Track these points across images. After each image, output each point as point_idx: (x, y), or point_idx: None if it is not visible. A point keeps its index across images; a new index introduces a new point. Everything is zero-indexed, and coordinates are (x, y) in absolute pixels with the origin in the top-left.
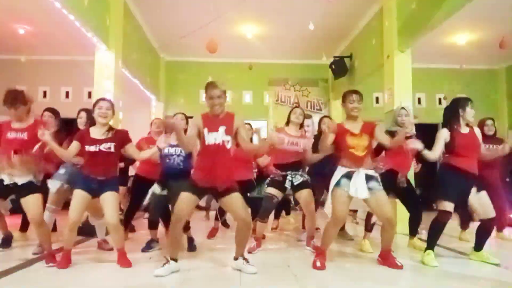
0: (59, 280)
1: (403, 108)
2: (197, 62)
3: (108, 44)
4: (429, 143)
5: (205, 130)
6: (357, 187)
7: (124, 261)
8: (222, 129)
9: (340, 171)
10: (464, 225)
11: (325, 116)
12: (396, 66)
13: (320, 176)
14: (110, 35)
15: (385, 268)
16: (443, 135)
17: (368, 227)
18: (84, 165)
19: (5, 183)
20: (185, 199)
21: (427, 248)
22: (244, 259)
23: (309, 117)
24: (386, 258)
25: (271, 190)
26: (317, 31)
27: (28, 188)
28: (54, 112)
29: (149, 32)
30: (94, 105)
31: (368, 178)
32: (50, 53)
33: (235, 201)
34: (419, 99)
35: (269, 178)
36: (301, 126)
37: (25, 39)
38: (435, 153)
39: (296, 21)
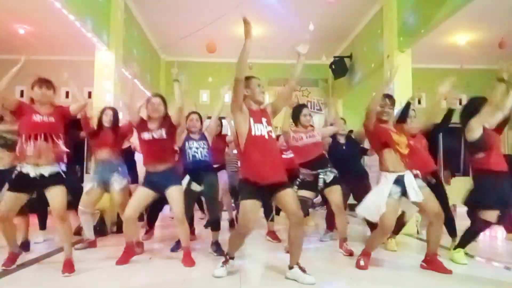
0: (59, 280)
1: (412, 110)
2: (197, 62)
3: (108, 44)
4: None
5: (251, 120)
6: (416, 189)
7: (188, 260)
8: (264, 121)
9: (386, 179)
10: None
11: (340, 118)
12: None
13: (344, 181)
14: (110, 35)
15: (385, 268)
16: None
17: (395, 230)
18: (143, 158)
19: (31, 175)
20: (249, 206)
21: (457, 247)
22: (300, 267)
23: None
24: (433, 263)
25: (304, 193)
26: (317, 31)
27: (54, 180)
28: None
29: (149, 33)
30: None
31: (415, 177)
32: (50, 53)
33: (289, 196)
34: (419, 99)
35: (298, 180)
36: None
37: (25, 39)
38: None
39: (296, 22)
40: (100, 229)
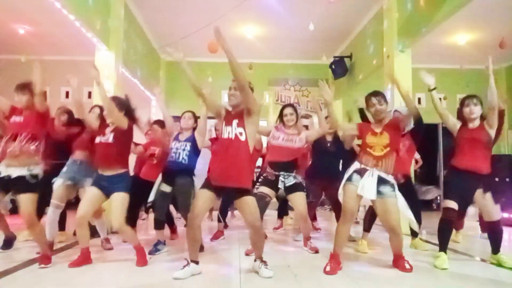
0: (59, 280)
1: (396, 110)
2: (197, 62)
3: (108, 44)
4: (430, 143)
5: (223, 123)
6: (364, 185)
7: (140, 258)
8: (235, 122)
9: (354, 166)
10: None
11: (328, 116)
12: (396, 66)
13: (319, 178)
14: (110, 35)
15: (385, 268)
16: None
17: (366, 227)
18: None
19: (1, 175)
20: (201, 195)
21: (439, 251)
22: (262, 261)
23: (309, 117)
24: (396, 261)
25: (263, 189)
26: (317, 31)
27: (22, 186)
28: (69, 112)
29: (149, 33)
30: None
31: (382, 181)
32: (50, 53)
33: (247, 204)
34: (419, 99)
35: (261, 177)
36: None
37: (25, 39)
38: (444, 110)
39: (296, 22)
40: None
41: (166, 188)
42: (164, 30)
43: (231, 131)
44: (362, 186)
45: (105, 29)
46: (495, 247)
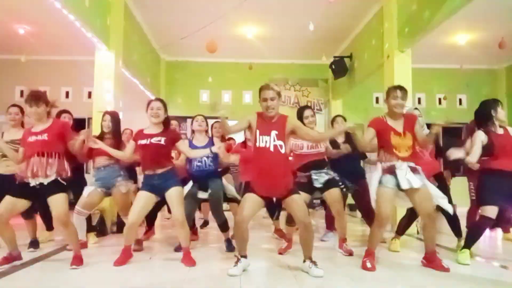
0: (59, 280)
1: (416, 108)
2: (197, 62)
3: (108, 44)
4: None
5: (257, 132)
6: (408, 178)
7: (188, 260)
8: (273, 133)
9: (380, 167)
10: (504, 228)
11: (338, 116)
12: (396, 66)
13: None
14: (110, 35)
15: (385, 268)
16: (481, 137)
17: (400, 231)
18: (141, 162)
19: (31, 185)
20: (249, 198)
21: (463, 247)
22: (312, 261)
23: None
24: (432, 260)
25: None
26: (317, 31)
27: (54, 187)
28: (70, 113)
29: (149, 32)
30: (147, 106)
31: (412, 170)
32: (50, 53)
33: (295, 203)
34: (419, 99)
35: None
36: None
37: (25, 39)
38: (475, 156)
39: (296, 22)
40: (100, 229)
41: (203, 195)
42: (164, 30)
43: (268, 141)
44: (407, 181)
45: (105, 29)
46: None
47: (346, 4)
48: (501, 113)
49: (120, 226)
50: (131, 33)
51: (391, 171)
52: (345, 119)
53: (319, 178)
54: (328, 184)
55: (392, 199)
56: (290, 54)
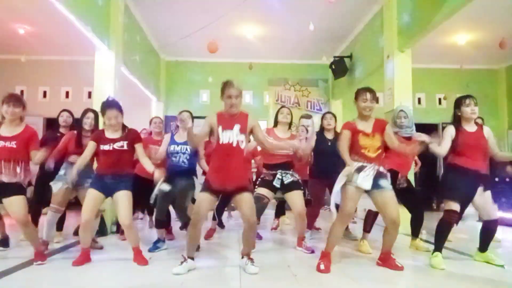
0: (58, 280)
1: (401, 110)
2: (197, 62)
3: (108, 44)
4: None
5: (219, 128)
6: (364, 177)
7: (140, 259)
8: (237, 127)
9: (348, 167)
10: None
11: (328, 112)
12: (396, 66)
13: (323, 177)
14: (110, 35)
15: (385, 268)
16: (450, 132)
17: (367, 228)
18: (98, 164)
19: None
20: (204, 199)
21: (434, 250)
22: (249, 258)
23: (309, 117)
24: (386, 260)
25: (261, 190)
26: (317, 31)
27: (12, 189)
28: (71, 113)
29: (149, 32)
30: (103, 113)
31: (380, 175)
32: (50, 53)
33: (244, 200)
34: (419, 99)
35: (259, 178)
36: (289, 126)
37: (25, 39)
38: (443, 149)
39: (296, 22)
40: (100, 229)
41: (165, 187)
42: (164, 30)
43: (231, 136)
44: (362, 179)
45: (105, 29)
46: (484, 246)
47: (346, 4)
48: (464, 111)
49: (119, 226)
50: (131, 33)
51: (359, 170)
52: (334, 116)
53: (283, 178)
54: (292, 186)
55: (357, 197)
56: (290, 54)
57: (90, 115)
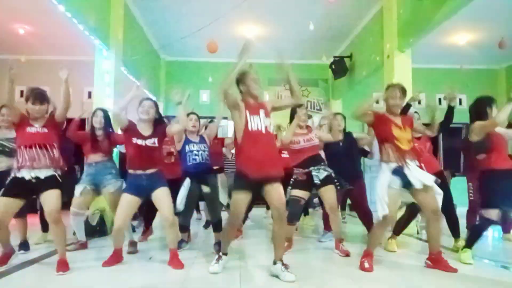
0: (58, 280)
1: (416, 112)
2: (197, 62)
3: (108, 44)
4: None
5: (247, 113)
6: (419, 176)
7: (176, 262)
8: (262, 112)
9: (386, 168)
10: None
11: (337, 113)
12: (396, 66)
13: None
14: (110, 35)
15: (385, 268)
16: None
17: (397, 231)
18: (129, 160)
19: (26, 178)
20: (241, 198)
21: (465, 247)
22: (283, 264)
23: (310, 117)
24: (438, 261)
25: (297, 192)
26: (317, 31)
27: (50, 183)
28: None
29: (149, 33)
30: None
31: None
32: (50, 53)
33: (275, 191)
34: (419, 100)
35: (292, 179)
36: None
37: (25, 39)
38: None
39: (296, 22)
40: (100, 229)
41: (206, 189)
42: (164, 30)
43: (259, 122)
44: (419, 180)
45: (105, 29)
46: None
47: (346, 4)
48: (495, 112)
49: None
50: (131, 33)
51: (398, 171)
52: (344, 117)
53: (319, 174)
54: (325, 181)
55: (397, 200)
56: (290, 54)
57: (99, 113)
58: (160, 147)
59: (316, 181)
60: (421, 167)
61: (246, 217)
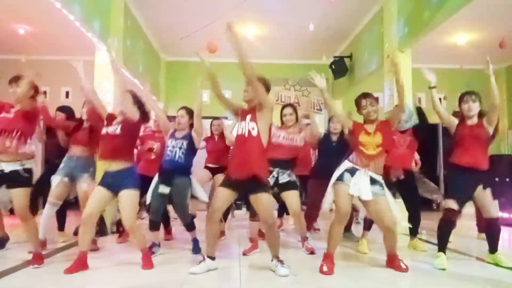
0: (58, 280)
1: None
2: (197, 62)
3: (108, 44)
4: (430, 143)
5: (240, 118)
6: (361, 187)
7: (145, 262)
8: (248, 117)
9: (344, 165)
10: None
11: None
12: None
13: (325, 178)
14: (110, 35)
15: (385, 268)
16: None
17: (366, 226)
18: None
19: None
20: (220, 192)
21: (438, 251)
22: (278, 260)
23: (309, 117)
24: (392, 261)
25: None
26: (317, 31)
27: (16, 180)
28: (66, 111)
29: (149, 32)
30: None
31: (372, 181)
32: (50, 53)
33: (260, 201)
34: (419, 99)
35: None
36: (296, 120)
37: (25, 39)
38: (442, 109)
39: (296, 22)
40: (100, 229)
41: (165, 190)
42: (164, 30)
43: (244, 126)
44: (354, 185)
45: (105, 29)
46: (493, 246)
47: (346, 4)
48: (464, 108)
49: (119, 225)
50: (131, 33)
51: (352, 172)
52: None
53: (280, 177)
54: (288, 186)
55: (350, 196)
56: (290, 54)
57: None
58: (126, 137)
59: (270, 181)
60: (375, 181)
61: (226, 218)
